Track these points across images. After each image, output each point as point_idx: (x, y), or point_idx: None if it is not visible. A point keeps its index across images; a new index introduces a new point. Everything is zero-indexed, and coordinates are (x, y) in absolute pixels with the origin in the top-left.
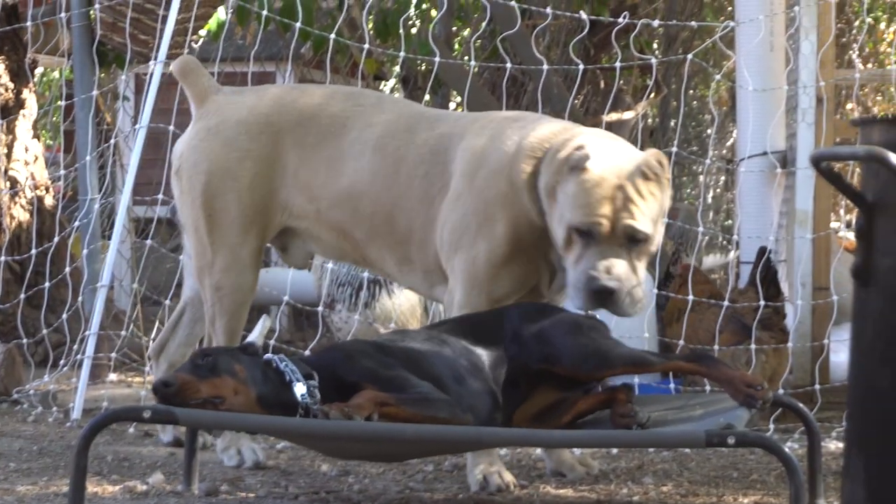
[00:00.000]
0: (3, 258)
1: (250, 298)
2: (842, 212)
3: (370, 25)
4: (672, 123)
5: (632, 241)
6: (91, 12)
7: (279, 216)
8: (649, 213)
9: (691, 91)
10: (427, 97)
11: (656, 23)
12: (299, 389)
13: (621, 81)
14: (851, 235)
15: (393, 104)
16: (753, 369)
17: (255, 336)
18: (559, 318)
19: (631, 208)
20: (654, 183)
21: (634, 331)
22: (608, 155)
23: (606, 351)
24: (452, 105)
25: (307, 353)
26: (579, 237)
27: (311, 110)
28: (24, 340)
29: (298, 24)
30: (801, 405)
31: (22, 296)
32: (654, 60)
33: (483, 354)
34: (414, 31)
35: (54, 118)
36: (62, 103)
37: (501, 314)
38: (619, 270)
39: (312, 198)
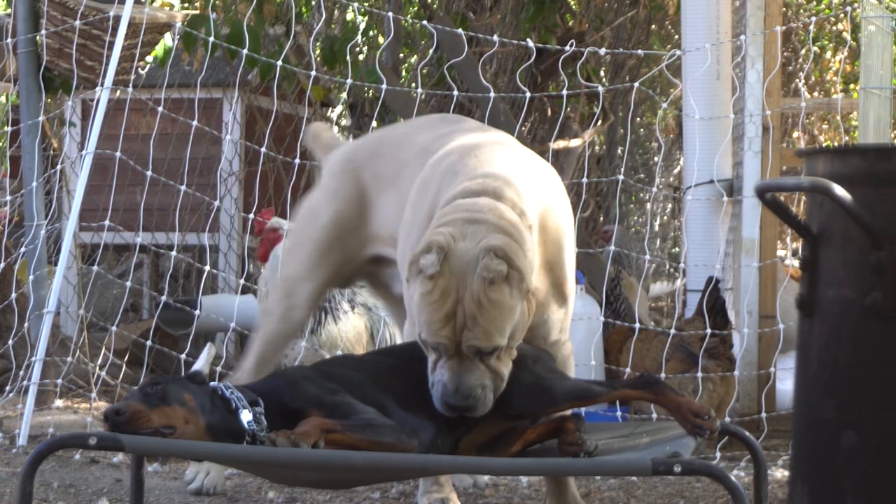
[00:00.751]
0: None
1: (293, 333)
2: (788, 240)
3: (317, 52)
4: (619, 151)
5: (481, 353)
6: (37, 38)
7: (364, 250)
8: (497, 323)
9: (638, 119)
10: (374, 124)
11: (603, 51)
12: (245, 416)
13: (568, 109)
14: (797, 263)
15: (467, 130)
16: (700, 398)
17: (202, 363)
18: None
19: (474, 328)
20: (497, 285)
21: (581, 358)
22: (458, 255)
23: (551, 387)
24: None
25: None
26: (429, 347)
27: (390, 142)
28: None
29: (245, 51)
30: (747, 433)
31: None
32: (601, 88)
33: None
34: (361, 57)
35: (0, 143)
36: (8, 129)
37: None
38: (471, 384)
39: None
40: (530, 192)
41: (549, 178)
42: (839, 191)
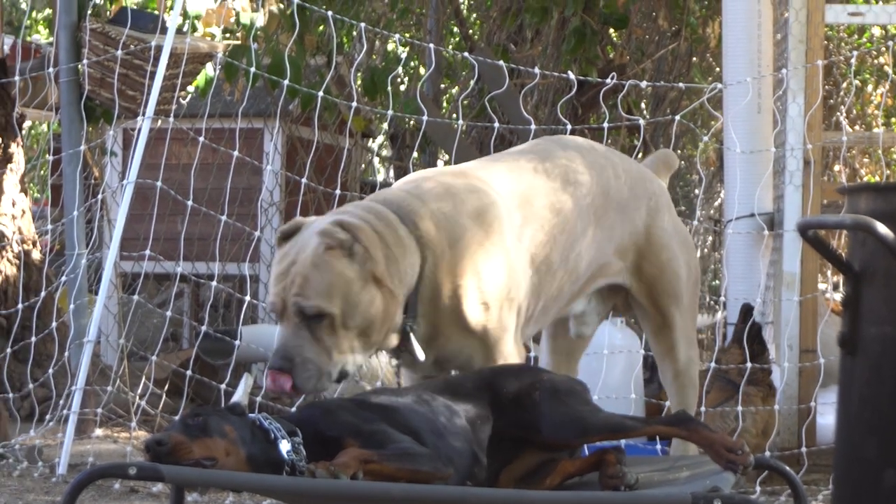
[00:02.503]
0: None
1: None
2: (829, 273)
3: (358, 83)
4: None
5: (306, 317)
6: (79, 67)
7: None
8: (323, 285)
9: (679, 151)
10: (415, 155)
11: (644, 83)
12: (284, 447)
13: (609, 141)
14: (838, 297)
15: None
16: (745, 423)
17: (240, 395)
18: (536, 382)
19: (298, 285)
20: (333, 252)
21: (621, 391)
22: (310, 226)
23: (584, 418)
24: (440, 163)
25: (293, 410)
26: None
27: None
28: (10, 395)
29: (286, 81)
30: (787, 468)
31: (8, 350)
32: (642, 121)
33: (463, 413)
34: (402, 88)
35: (42, 172)
36: (50, 157)
37: (480, 375)
38: (289, 346)
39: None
40: (439, 212)
41: (480, 207)
42: (882, 229)
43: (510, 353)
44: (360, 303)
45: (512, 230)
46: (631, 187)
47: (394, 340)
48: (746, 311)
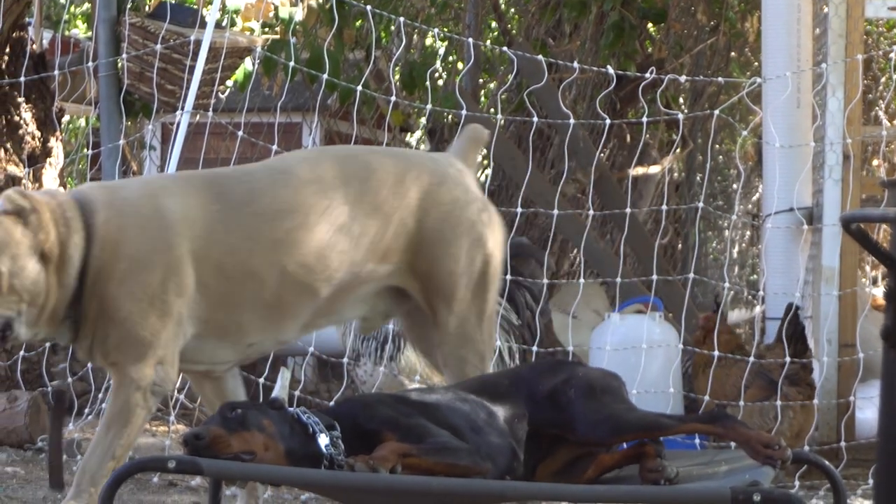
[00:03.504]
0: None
1: None
2: (868, 268)
3: (397, 77)
4: (698, 178)
5: None
6: (118, 61)
7: None
8: None
9: (717, 146)
10: None
11: (683, 78)
12: (323, 441)
13: (647, 135)
14: (877, 292)
15: None
16: (780, 425)
17: (279, 390)
18: (571, 379)
19: None
20: (13, 217)
21: (660, 385)
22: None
23: (619, 416)
24: (478, 157)
25: (332, 403)
26: None
27: None
28: (49, 389)
29: (325, 76)
30: (826, 462)
31: (47, 344)
32: (680, 115)
33: (500, 411)
34: (440, 83)
35: (80, 166)
36: (88, 152)
37: (516, 373)
38: None
39: None
40: (117, 206)
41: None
42: None
43: (160, 356)
44: (25, 268)
45: (193, 233)
46: (392, 187)
47: (64, 335)
48: (792, 310)
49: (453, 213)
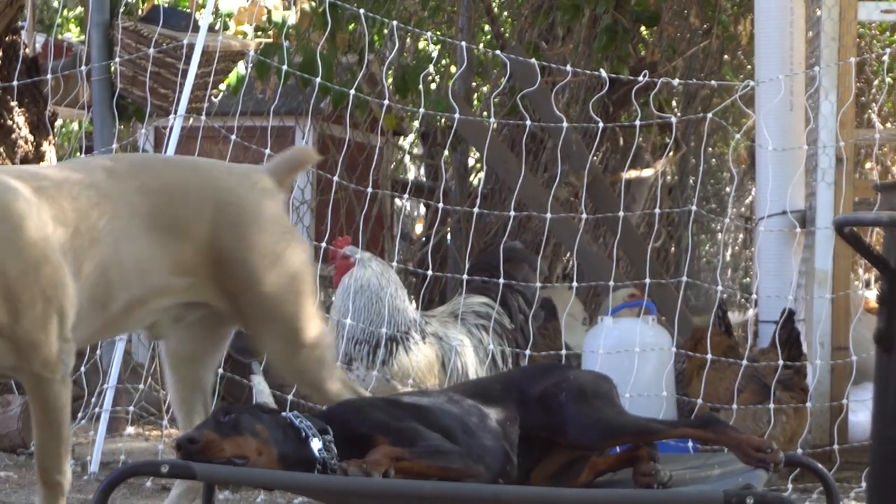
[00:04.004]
0: None
1: None
2: (861, 271)
3: (389, 81)
4: (691, 181)
5: None
6: (111, 65)
7: None
8: None
9: (710, 149)
10: (446, 153)
11: (676, 81)
12: (316, 445)
13: (640, 139)
14: (870, 295)
15: None
16: (773, 430)
17: (260, 394)
18: (562, 382)
19: None
20: None
21: (653, 389)
22: None
23: (609, 421)
24: (471, 161)
25: (324, 407)
26: None
27: None
28: None
29: (318, 79)
30: (819, 465)
31: None
32: (673, 119)
33: (493, 414)
34: (433, 86)
35: None
36: (81, 156)
37: (508, 376)
38: None
39: None
40: None
41: None
42: None
43: (52, 356)
44: None
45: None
46: (184, 203)
47: None
48: (787, 315)
49: (246, 231)
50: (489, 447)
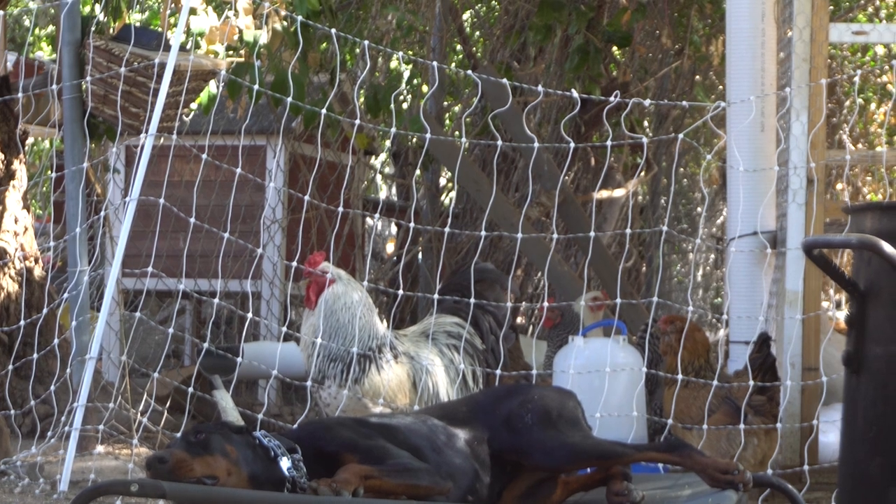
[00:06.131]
0: None
1: None
2: (832, 292)
3: (361, 100)
4: (662, 201)
5: None
6: (82, 84)
7: None
8: None
9: (682, 169)
10: (417, 172)
11: (647, 102)
12: (285, 464)
13: (612, 159)
14: (840, 316)
15: None
16: (744, 451)
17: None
18: (527, 403)
19: None
20: None
21: (623, 409)
22: None
23: (575, 444)
24: (442, 180)
25: (294, 426)
26: None
27: None
28: (12, 411)
29: (290, 99)
30: (789, 486)
31: (10, 367)
32: (645, 139)
33: (461, 434)
34: (405, 106)
35: (44, 189)
36: (52, 174)
37: (473, 399)
38: None
39: None
40: None
41: None
42: (888, 248)
43: None
44: None
45: None
46: None
47: None
48: (763, 340)
49: None
50: (458, 465)
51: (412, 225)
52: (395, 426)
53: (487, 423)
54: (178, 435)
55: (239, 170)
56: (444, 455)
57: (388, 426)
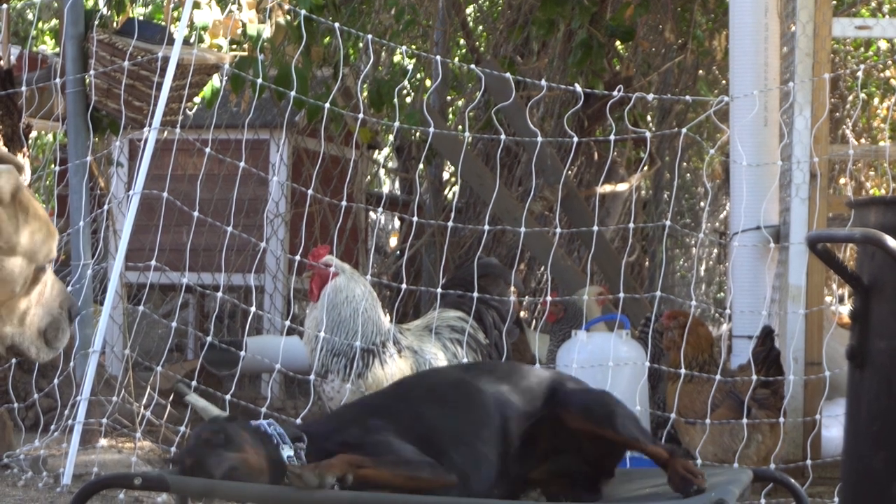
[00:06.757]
0: None
1: None
2: (835, 286)
3: (364, 94)
4: (665, 196)
5: None
6: (86, 78)
7: None
8: None
9: (685, 164)
10: (420, 166)
11: (651, 96)
12: (286, 452)
13: (615, 153)
14: (843, 310)
15: None
16: (748, 448)
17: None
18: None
19: None
20: None
21: (627, 403)
22: None
23: (614, 409)
24: (446, 175)
25: (298, 421)
26: None
27: None
28: (15, 405)
29: (293, 93)
30: (792, 480)
31: (13, 360)
32: (648, 133)
33: (508, 405)
34: (408, 100)
35: (48, 182)
36: (56, 168)
37: (548, 376)
38: None
39: None
40: None
41: None
42: (891, 242)
43: None
44: None
45: None
46: None
47: None
48: (767, 334)
49: None
50: (479, 454)
51: (415, 219)
52: (414, 413)
53: (549, 400)
54: (195, 435)
55: (242, 164)
56: (468, 442)
57: (405, 414)
